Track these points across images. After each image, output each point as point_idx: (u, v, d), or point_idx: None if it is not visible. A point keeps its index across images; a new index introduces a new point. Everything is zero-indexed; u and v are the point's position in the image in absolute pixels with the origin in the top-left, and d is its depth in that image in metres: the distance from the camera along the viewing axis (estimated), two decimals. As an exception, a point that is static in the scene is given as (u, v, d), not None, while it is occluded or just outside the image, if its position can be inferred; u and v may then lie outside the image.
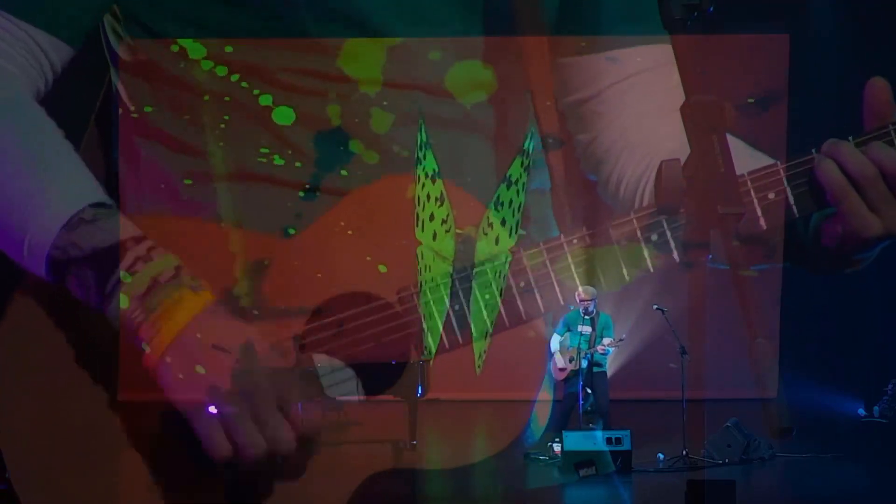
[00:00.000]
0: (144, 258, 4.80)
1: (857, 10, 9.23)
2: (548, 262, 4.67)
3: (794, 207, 3.85)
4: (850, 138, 3.91)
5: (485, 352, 5.38)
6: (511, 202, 6.42)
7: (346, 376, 5.87)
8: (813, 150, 3.80)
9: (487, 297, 6.13)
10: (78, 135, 5.46)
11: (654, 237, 3.93)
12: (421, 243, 5.97)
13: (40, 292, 4.64)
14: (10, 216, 4.67)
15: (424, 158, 6.94)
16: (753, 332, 3.12)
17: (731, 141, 3.62)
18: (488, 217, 6.75)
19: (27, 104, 4.96)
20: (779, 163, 3.85)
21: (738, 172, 3.64)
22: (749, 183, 3.83)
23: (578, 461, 7.44)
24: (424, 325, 6.49)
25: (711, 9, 3.45)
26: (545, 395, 9.01)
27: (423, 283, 5.44)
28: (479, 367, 5.23)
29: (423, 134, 7.12)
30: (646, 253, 4.56)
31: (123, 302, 5.17)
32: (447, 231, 7.03)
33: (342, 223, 5.70)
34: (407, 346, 5.21)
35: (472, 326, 6.09)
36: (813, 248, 3.86)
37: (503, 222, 6.10)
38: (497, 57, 6.33)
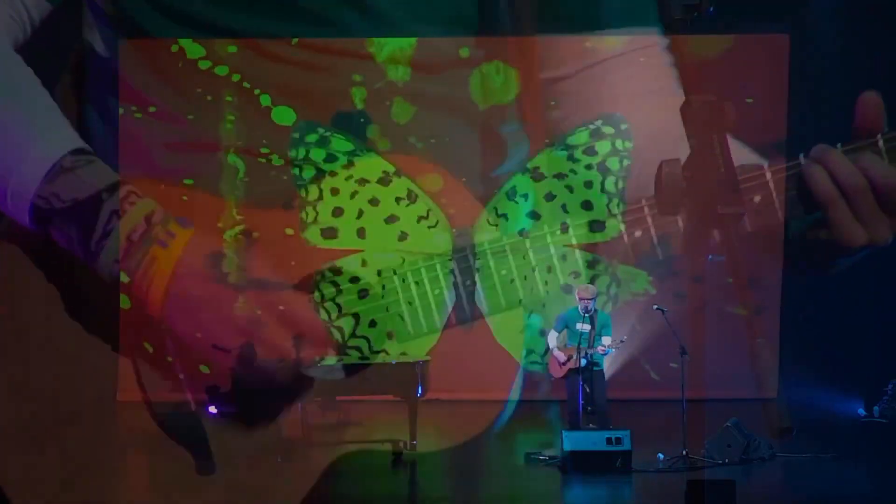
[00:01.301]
0: (118, 212, 4.86)
1: (856, 9, 9.21)
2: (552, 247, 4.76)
3: (778, 212, 3.84)
4: (839, 145, 3.88)
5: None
6: (527, 196, 6.46)
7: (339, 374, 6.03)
8: (801, 155, 3.78)
9: (504, 272, 6.23)
10: (51, 83, 5.50)
11: (638, 233, 3.97)
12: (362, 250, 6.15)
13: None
14: None
15: (354, 165, 7.01)
16: (753, 332, 3.12)
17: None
18: (496, 208, 6.78)
19: (6, 54, 5.01)
20: (764, 165, 3.85)
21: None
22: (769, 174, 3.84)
23: None
24: (404, 309, 6.57)
25: (712, 9, 3.45)
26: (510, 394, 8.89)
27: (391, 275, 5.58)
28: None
29: (346, 142, 7.20)
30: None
31: (124, 302, 5.18)
32: (431, 227, 7.10)
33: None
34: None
35: (486, 302, 6.21)
36: (796, 248, 3.88)
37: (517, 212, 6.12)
38: (521, 60, 6.34)
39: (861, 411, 9.58)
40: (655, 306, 8.08)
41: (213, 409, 7.87)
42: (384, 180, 7.78)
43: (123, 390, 9.31)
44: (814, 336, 9.60)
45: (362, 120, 7.88)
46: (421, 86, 7.35)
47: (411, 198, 7.86)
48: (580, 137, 7.95)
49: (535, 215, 7.91)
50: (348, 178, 7.74)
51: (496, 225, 7.66)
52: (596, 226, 7.90)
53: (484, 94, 7.75)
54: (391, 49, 7.29)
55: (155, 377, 8.54)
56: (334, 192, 7.79)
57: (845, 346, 9.66)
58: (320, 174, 7.76)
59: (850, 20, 9.19)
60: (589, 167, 8.00)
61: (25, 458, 6.28)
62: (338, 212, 7.90)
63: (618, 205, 7.64)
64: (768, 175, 4.12)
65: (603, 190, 7.86)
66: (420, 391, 7.97)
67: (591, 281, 8.26)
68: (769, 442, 7.63)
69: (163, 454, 7.76)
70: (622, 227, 7.31)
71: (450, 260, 7.73)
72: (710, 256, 3.53)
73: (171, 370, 8.31)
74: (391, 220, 7.95)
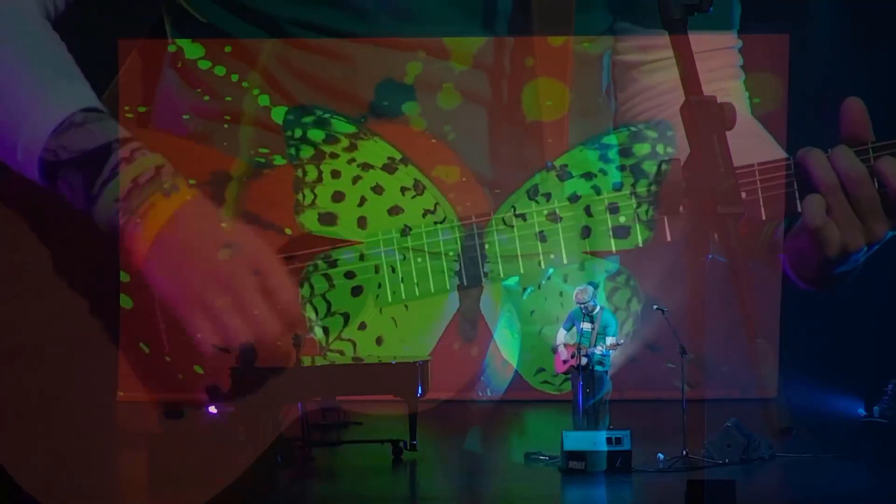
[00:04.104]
0: (128, 159, 4.89)
1: (856, 10, 9.22)
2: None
3: (798, 202, 3.84)
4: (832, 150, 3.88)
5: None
6: (549, 196, 6.45)
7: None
8: (790, 157, 3.80)
9: (510, 247, 6.17)
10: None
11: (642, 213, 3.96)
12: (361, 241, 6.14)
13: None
14: (5, 120, 4.74)
15: (357, 148, 7.01)
16: (753, 332, 3.12)
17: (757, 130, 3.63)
18: (515, 206, 6.75)
19: (33, 17, 5.04)
20: (791, 158, 3.85)
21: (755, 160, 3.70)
22: (757, 174, 3.87)
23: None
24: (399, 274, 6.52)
25: (711, 9, 3.46)
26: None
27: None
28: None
29: (348, 124, 7.16)
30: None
31: (125, 302, 5.16)
32: (438, 222, 7.05)
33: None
34: None
35: (501, 268, 6.18)
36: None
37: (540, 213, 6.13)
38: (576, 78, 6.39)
39: (861, 411, 9.60)
40: (655, 306, 8.07)
41: (212, 410, 7.86)
42: (389, 167, 7.21)
43: (124, 389, 9.30)
44: (814, 335, 9.61)
45: (404, 95, 7.19)
46: (474, 81, 6.97)
47: (418, 189, 7.30)
48: (619, 137, 7.33)
49: (554, 217, 7.26)
50: (350, 160, 7.15)
51: (512, 226, 7.11)
52: (620, 231, 7.21)
53: (536, 108, 7.29)
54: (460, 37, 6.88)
55: (154, 376, 8.49)
56: (335, 174, 7.20)
57: (845, 346, 9.67)
58: (320, 155, 7.14)
59: (850, 20, 9.20)
60: (622, 168, 7.33)
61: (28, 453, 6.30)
62: (338, 196, 7.32)
63: (647, 211, 7.03)
64: (756, 172, 4.06)
65: (634, 193, 7.08)
66: (420, 391, 7.95)
67: (610, 294, 8.00)
68: (769, 442, 7.64)
69: (163, 453, 7.76)
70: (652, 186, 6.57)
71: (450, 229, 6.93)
72: (710, 256, 3.52)
73: (169, 369, 8.22)
74: (394, 211, 7.41)
